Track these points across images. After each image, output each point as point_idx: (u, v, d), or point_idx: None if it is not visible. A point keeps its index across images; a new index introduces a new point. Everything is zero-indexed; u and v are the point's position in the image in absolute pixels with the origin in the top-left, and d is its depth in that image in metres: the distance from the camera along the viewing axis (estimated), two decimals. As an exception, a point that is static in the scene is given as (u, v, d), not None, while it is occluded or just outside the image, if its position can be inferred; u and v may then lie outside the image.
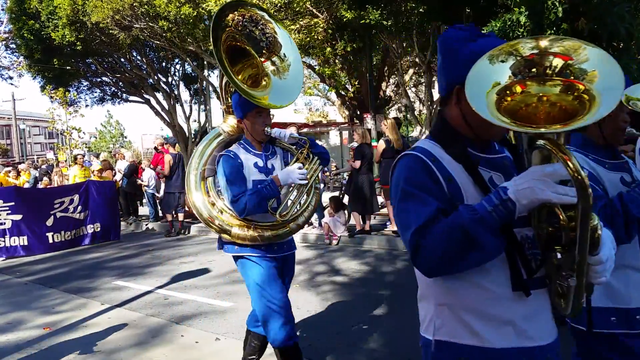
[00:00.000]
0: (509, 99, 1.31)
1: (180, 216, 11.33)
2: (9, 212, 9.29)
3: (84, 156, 13.62)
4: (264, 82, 3.02)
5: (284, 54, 3.05)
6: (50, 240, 9.64)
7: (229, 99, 3.22)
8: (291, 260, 3.32)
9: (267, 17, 3.06)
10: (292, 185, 3.08)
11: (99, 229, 10.44)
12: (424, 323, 1.64)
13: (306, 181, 3.04)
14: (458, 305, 1.51)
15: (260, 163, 3.07)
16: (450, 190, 1.48)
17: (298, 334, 4.51)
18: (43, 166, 16.51)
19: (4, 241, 9.24)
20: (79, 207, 10.16)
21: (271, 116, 3.13)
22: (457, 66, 1.50)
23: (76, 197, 10.14)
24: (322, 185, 9.63)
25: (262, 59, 3.04)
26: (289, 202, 3.11)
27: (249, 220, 3.04)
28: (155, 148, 13.41)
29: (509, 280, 1.47)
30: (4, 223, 9.28)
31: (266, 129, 3.02)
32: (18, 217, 9.37)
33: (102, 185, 11.07)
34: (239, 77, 3.05)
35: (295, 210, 3.13)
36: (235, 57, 2.96)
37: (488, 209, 1.35)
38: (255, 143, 3.11)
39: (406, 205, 1.48)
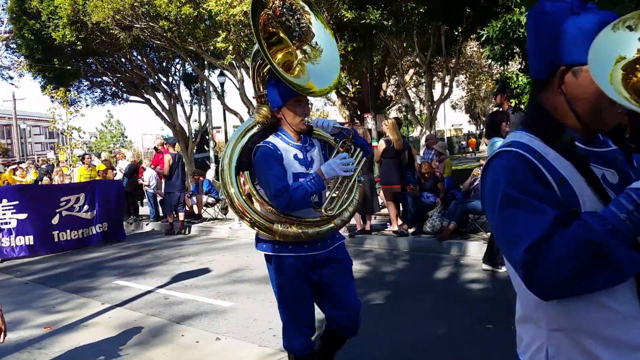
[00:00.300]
0: (638, 74, 1.11)
1: (181, 215, 11.34)
2: (14, 211, 9.24)
3: (90, 156, 13.59)
4: (297, 70, 2.85)
5: (316, 42, 2.90)
6: (56, 239, 9.59)
7: (262, 88, 3.04)
8: (342, 251, 3.07)
9: (307, 8, 2.92)
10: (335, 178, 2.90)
11: (106, 229, 10.38)
12: (528, 349, 1.37)
13: (352, 174, 2.86)
14: (577, 329, 1.27)
15: (300, 155, 2.88)
16: (563, 194, 1.24)
17: (298, 333, 4.52)
18: (43, 166, 16.51)
19: (9, 241, 9.20)
20: (86, 207, 10.08)
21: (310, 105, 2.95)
22: (562, 43, 1.28)
23: (82, 196, 10.06)
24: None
25: (294, 47, 2.88)
26: (333, 196, 2.93)
27: (291, 216, 2.83)
28: (155, 148, 13.42)
29: (637, 297, 1.23)
30: (9, 222, 9.24)
31: (306, 118, 2.85)
32: (23, 216, 9.33)
33: (110, 184, 11.03)
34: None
35: (340, 205, 2.93)
36: (269, 43, 2.81)
37: (621, 216, 1.12)
38: (293, 134, 2.90)
39: (512, 215, 1.23)
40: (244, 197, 2.94)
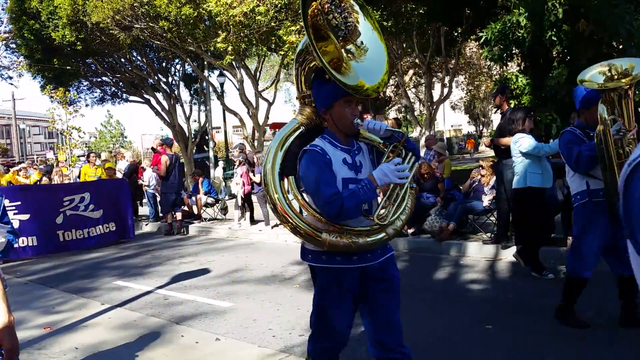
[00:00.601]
0: None
1: (178, 215, 11.35)
2: (16, 211, 9.19)
3: (95, 154, 13.55)
4: (343, 68, 2.67)
5: (362, 41, 2.75)
6: (61, 239, 9.54)
7: (305, 87, 2.86)
8: (391, 264, 2.84)
9: (356, 7, 2.78)
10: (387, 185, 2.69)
11: (114, 228, 10.31)
12: None
13: (406, 180, 2.65)
14: None
15: (349, 159, 2.70)
16: None
17: (298, 334, 4.52)
18: (41, 166, 16.50)
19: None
20: (92, 206, 9.99)
21: (359, 107, 2.78)
22: None
23: (87, 195, 9.97)
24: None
25: (339, 45, 2.71)
26: (385, 203, 2.72)
27: (340, 225, 2.64)
28: (153, 149, 13.43)
29: None
30: (12, 223, 9.17)
31: (356, 120, 2.67)
32: (25, 216, 9.31)
33: (116, 183, 10.98)
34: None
35: (393, 213, 2.72)
36: (316, 40, 2.63)
37: None
38: (341, 137, 2.72)
39: None
40: (288, 203, 2.74)
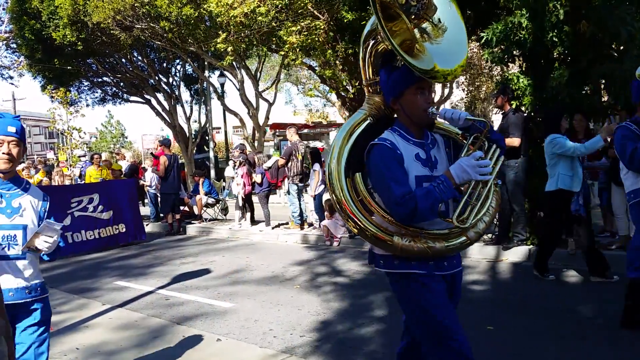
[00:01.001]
0: None
1: (177, 216, 11.36)
2: None
3: (99, 156, 13.53)
4: (416, 51, 2.35)
5: (439, 18, 2.41)
6: (70, 240, 9.46)
7: (372, 74, 2.59)
8: (459, 278, 2.56)
9: None
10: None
11: (124, 230, 10.19)
12: None
13: (489, 177, 2.32)
14: None
15: (422, 154, 2.40)
16: None
17: (299, 335, 4.53)
18: (39, 166, 16.50)
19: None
20: (100, 207, 9.85)
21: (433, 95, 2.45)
22: None
23: (96, 197, 9.82)
24: (322, 187, 9.64)
25: (412, 25, 2.38)
26: (465, 203, 2.38)
27: (414, 227, 2.34)
28: (152, 154, 13.43)
29: None
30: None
31: (431, 109, 2.36)
32: None
33: (124, 184, 10.92)
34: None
35: (476, 214, 2.38)
36: (385, 20, 2.33)
37: None
38: (413, 128, 2.42)
39: None
40: (355, 203, 2.43)
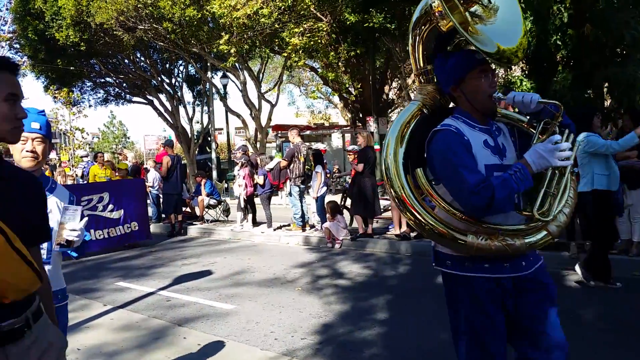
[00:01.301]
0: None
1: (179, 217, 11.36)
2: None
3: (103, 155, 13.52)
4: (470, 33, 2.19)
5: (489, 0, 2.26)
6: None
7: (423, 62, 2.42)
8: (542, 273, 2.28)
9: None
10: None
11: (136, 228, 10.08)
12: None
13: (569, 162, 2.11)
14: None
15: (491, 141, 2.20)
16: None
17: (300, 337, 4.52)
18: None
19: None
20: (110, 206, 9.74)
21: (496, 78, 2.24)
22: None
23: (106, 195, 9.70)
24: (324, 189, 9.62)
25: (462, 9, 2.22)
26: (544, 193, 2.16)
27: (488, 223, 2.11)
28: (155, 162, 13.43)
29: None
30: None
31: (496, 94, 2.18)
32: None
33: (134, 184, 10.90)
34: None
35: (557, 204, 2.16)
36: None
37: None
38: (477, 115, 2.22)
39: None
40: (418, 199, 2.21)
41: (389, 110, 22.79)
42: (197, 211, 12.47)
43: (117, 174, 12.03)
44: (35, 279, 1.54)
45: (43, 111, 2.51)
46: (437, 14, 2.19)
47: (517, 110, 2.37)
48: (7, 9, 21.09)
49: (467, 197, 2.04)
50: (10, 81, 1.58)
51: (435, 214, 2.17)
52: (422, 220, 2.17)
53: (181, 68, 22.19)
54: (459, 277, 2.22)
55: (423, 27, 2.35)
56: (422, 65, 2.43)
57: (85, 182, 13.14)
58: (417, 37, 2.39)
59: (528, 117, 2.32)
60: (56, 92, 17.82)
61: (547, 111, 2.17)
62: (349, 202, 9.67)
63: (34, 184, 1.73)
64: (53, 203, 2.52)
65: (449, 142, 2.11)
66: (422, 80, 2.43)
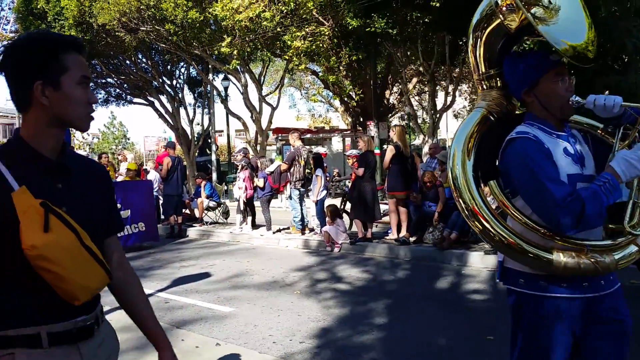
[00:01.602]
0: None
1: (179, 218, 11.35)
2: None
3: (107, 155, 13.50)
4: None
5: (549, 0, 2.14)
6: None
7: (485, 66, 2.26)
8: (620, 299, 2.07)
9: None
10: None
11: (143, 229, 10.06)
12: None
13: None
14: None
15: (570, 149, 2.02)
16: None
17: (298, 341, 4.51)
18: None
19: None
20: (118, 205, 9.77)
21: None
22: None
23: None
24: (324, 192, 9.64)
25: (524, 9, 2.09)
26: (632, 204, 2.01)
27: (576, 239, 1.92)
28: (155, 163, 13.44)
29: None
30: None
31: (574, 98, 2.02)
32: None
33: (140, 184, 10.88)
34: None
35: None
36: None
37: None
38: (553, 121, 2.05)
39: None
40: (491, 210, 2.04)
41: (390, 114, 22.83)
42: (197, 213, 12.46)
43: (125, 175, 11.97)
44: (105, 278, 1.50)
45: None
46: (505, 8, 2.05)
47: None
48: (9, 9, 21.13)
49: (552, 212, 1.86)
50: (81, 63, 1.46)
51: (512, 228, 2.00)
52: (506, 239, 1.98)
53: (182, 70, 22.23)
54: (532, 296, 2.03)
55: (485, 29, 2.21)
56: (484, 70, 2.27)
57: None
58: (479, 40, 2.24)
59: (603, 123, 2.16)
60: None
61: (628, 115, 2.02)
62: (348, 206, 9.67)
63: (100, 172, 1.63)
64: None
65: (528, 150, 1.93)
66: (485, 86, 2.28)
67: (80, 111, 1.44)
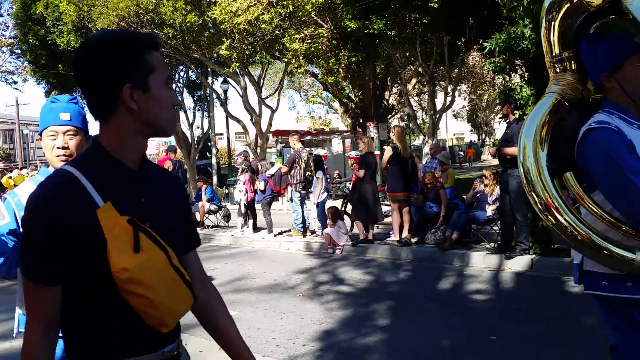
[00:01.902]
0: None
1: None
2: None
3: None
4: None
5: None
6: None
7: (559, 48, 2.10)
8: None
9: None
10: None
11: None
12: None
13: None
14: None
15: None
16: None
17: (301, 344, 4.52)
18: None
19: None
20: None
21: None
22: None
23: None
24: (325, 194, 9.65)
25: None
26: None
27: None
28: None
29: None
30: None
31: None
32: None
33: None
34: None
35: None
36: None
37: None
38: (635, 110, 1.92)
39: None
40: (566, 204, 1.92)
41: (389, 115, 22.84)
42: (198, 217, 12.47)
43: None
44: (192, 299, 1.33)
45: (75, 98, 2.15)
46: None
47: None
48: (8, 14, 21.16)
49: (637, 208, 1.75)
50: (164, 62, 1.33)
51: (589, 223, 1.88)
52: (584, 236, 1.86)
53: (182, 73, 22.25)
54: (618, 300, 1.89)
55: (560, 8, 2.06)
56: (558, 52, 2.10)
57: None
58: (552, 22, 2.09)
59: None
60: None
61: None
62: (349, 207, 9.68)
63: (175, 181, 1.48)
64: None
65: (610, 142, 1.80)
66: (558, 70, 2.11)
67: (169, 115, 1.31)
